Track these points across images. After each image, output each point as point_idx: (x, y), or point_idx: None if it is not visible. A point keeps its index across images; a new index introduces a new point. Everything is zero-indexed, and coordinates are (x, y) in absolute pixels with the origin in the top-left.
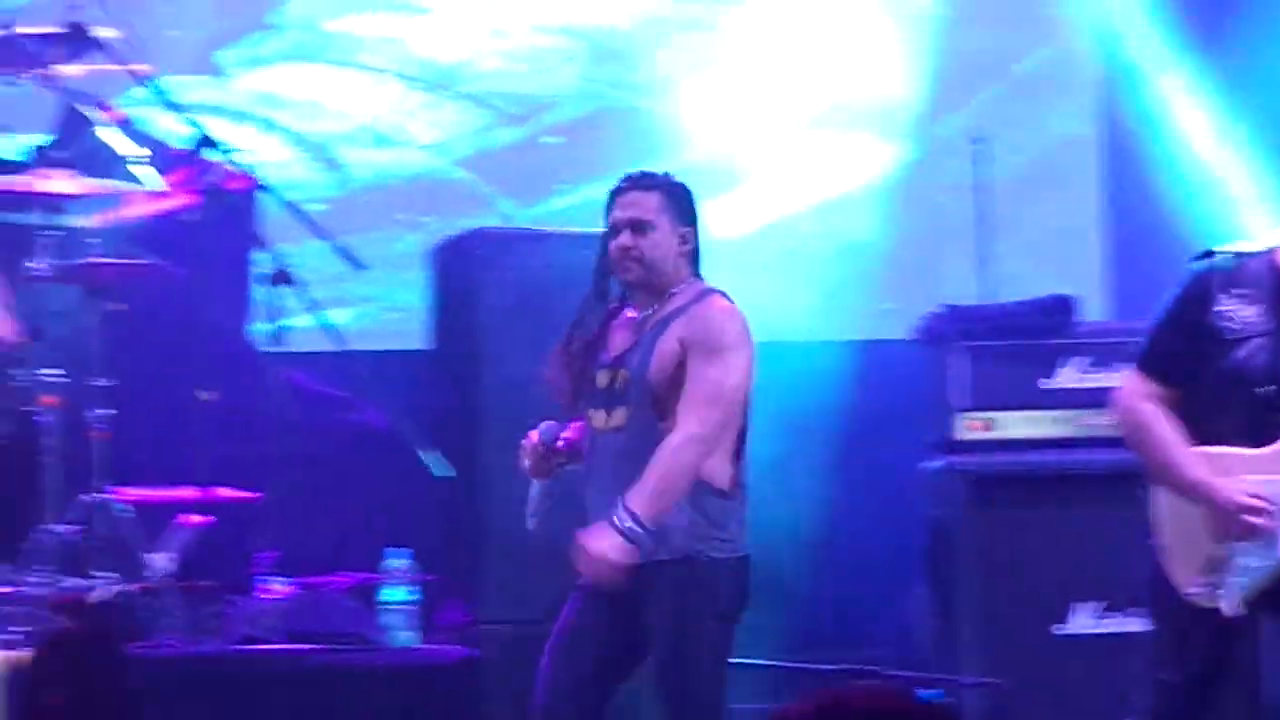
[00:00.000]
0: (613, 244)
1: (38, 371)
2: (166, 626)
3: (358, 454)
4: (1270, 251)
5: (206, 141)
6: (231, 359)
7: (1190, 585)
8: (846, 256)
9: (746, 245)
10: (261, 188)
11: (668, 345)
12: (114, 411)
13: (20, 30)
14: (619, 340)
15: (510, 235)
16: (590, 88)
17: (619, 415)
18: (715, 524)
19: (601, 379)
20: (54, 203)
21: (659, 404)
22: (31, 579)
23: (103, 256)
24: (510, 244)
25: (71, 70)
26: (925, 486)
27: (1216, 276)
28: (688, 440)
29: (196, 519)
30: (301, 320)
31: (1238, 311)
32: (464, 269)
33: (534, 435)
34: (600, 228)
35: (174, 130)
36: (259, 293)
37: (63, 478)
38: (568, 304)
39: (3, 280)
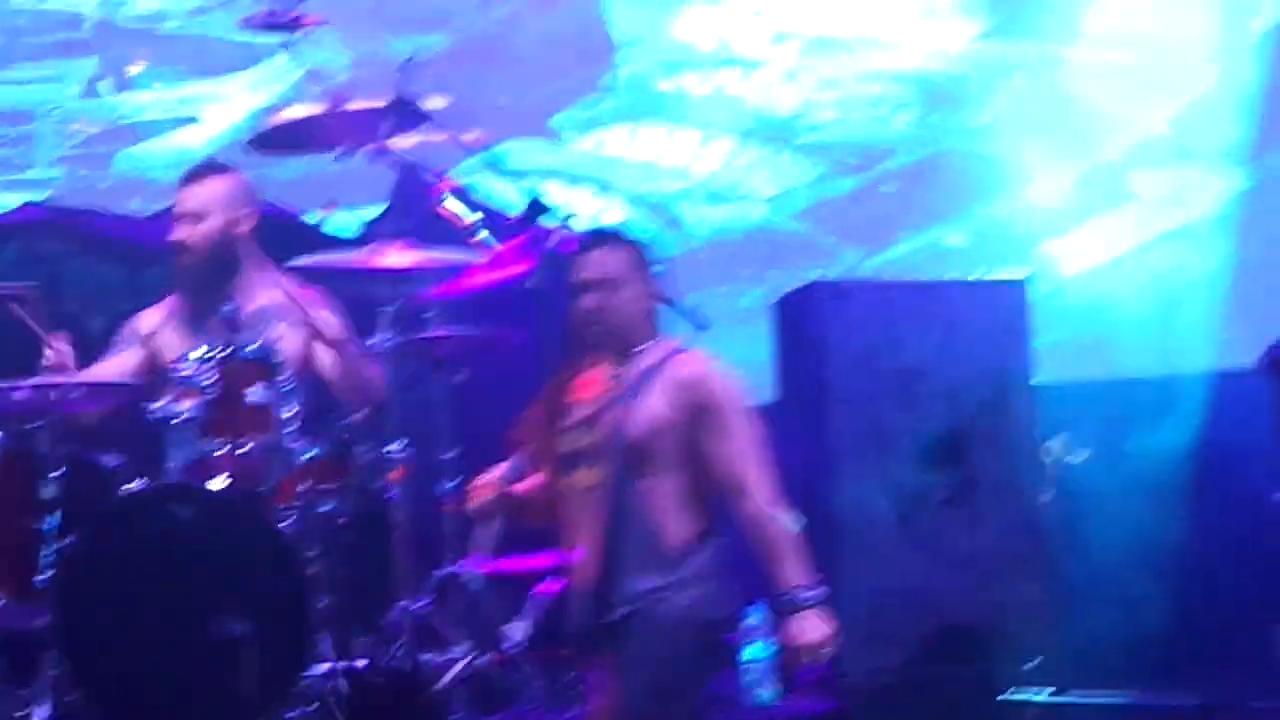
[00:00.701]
0: (578, 305)
1: (385, 446)
2: (526, 697)
3: None
4: None
5: (542, 207)
6: None
7: None
8: (1189, 289)
9: (1088, 282)
10: None
11: (655, 410)
12: (461, 483)
13: (351, 106)
14: (589, 399)
15: (852, 285)
16: (924, 133)
17: (596, 473)
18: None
19: (576, 439)
20: (393, 276)
21: (641, 463)
22: (392, 655)
23: (444, 328)
24: (853, 294)
25: (404, 142)
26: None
27: None
28: (762, 498)
29: (553, 586)
30: None
31: None
32: (808, 321)
33: (495, 473)
34: (947, 272)
35: (510, 197)
36: None
37: (415, 552)
38: (912, 351)
39: (353, 353)
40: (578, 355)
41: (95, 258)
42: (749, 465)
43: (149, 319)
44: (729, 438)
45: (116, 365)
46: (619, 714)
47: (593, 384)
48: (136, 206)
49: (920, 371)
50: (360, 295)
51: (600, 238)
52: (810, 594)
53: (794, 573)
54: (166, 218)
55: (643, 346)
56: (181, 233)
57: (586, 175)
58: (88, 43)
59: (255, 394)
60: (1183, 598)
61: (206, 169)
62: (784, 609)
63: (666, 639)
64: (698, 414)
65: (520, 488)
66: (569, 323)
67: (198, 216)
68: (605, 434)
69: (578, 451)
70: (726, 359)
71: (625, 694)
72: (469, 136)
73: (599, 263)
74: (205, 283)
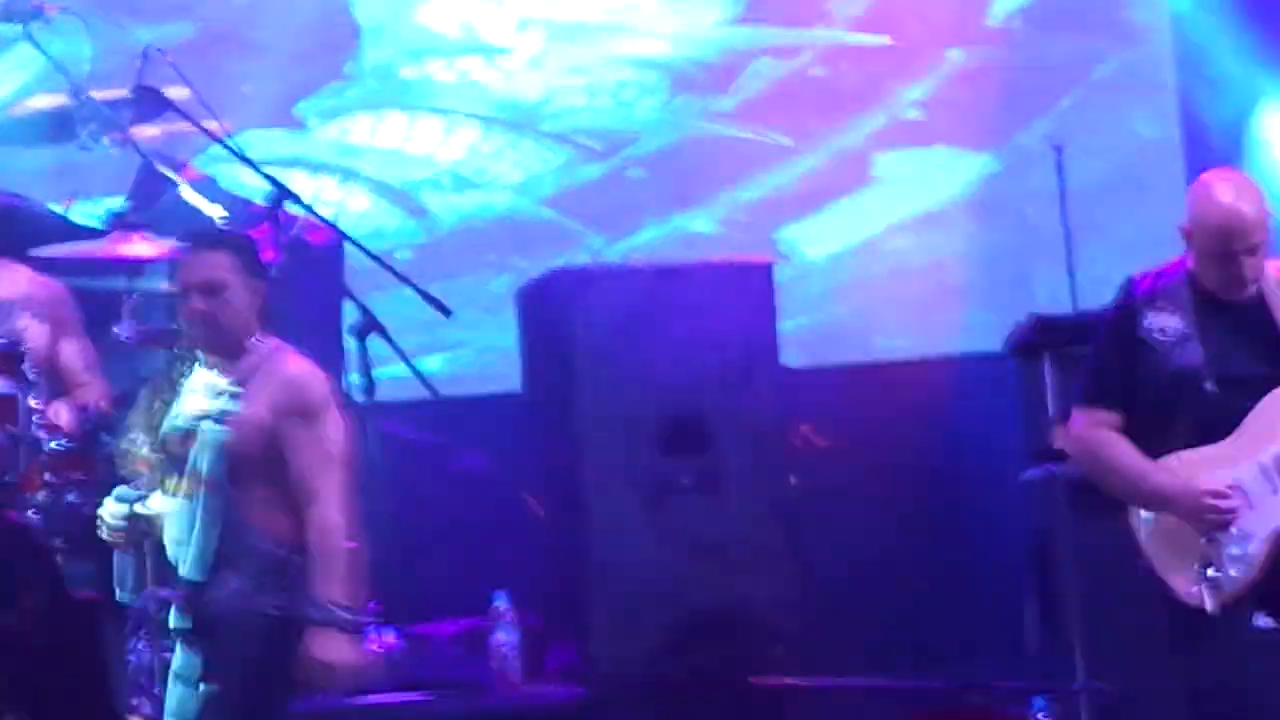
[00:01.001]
0: (185, 307)
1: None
2: None
3: (458, 500)
4: (1180, 263)
5: (286, 195)
6: None
7: (1189, 589)
8: (936, 271)
9: (836, 265)
10: (345, 238)
11: (254, 413)
12: None
13: (94, 94)
14: (191, 403)
15: (598, 272)
16: (670, 118)
17: (190, 482)
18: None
19: (174, 444)
20: (135, 267)
21: (236, 471)
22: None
23: None
24: (599, 280)
25: (148, 132)
26: (1026, 496)
27: (1139, 298)
28: (335, 509)
29: None
30: (393, 369)
31: (1164, 322)
32: (553, 308)
33: (112, 505)
34: (694, 257)
35: (254, 186)
36: (349, 344)
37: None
38: (660, 337)
39: (89, 345)
40: (186, 359)
41: None
42: (327, 473)
43: None
44: (312, 442)
45: None
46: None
47: (195, 386)
48: None
49: (666, 357)
50: (105, 286)
51: (206, 240)
52: (347, 615)
53: (339, 590)
54: None
55: (248, 347)
56: None
57: (331, 163)
58: None
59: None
60: (934, 582)
61: None
62: (318, 622)
63: (251, 641)
64: (288, 414)
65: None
66: (180, 326)
67: None
68: (204, 441)
69: (178, 456)
70: (474, 347)
71: (216, 695)
72: (212, 125)
73: (202, 263)
74: None
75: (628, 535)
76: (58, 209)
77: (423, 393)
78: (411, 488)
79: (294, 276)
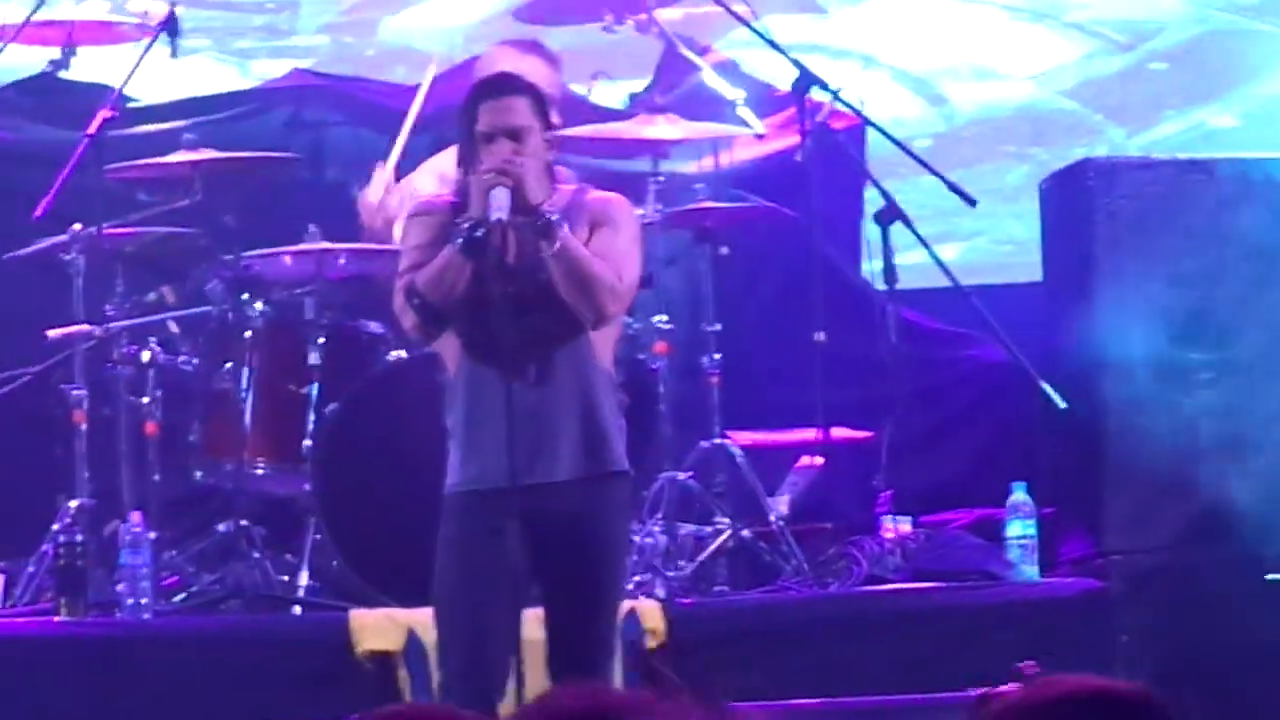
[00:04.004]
0: (489, 153)
1: (650, 319)
2: (789, 570)
3: (975, 389)
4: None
5: (812, 81)
6: (844, 299)
7: None
8: None
9: None
10: (870, 125)
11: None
12: (724, 356)
13: None
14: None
15: (1119, 164)
16: (1196, 11)
17: None
18: None
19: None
20: (659, 149)
21: None
22: (653, 526)
23: (710, 201)
24: (1120, 173)
25: (670, 14)
26: None
27: None
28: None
29: (814, 461)
30: (911, 257)
31: None
32: (1076, 200)
33: None
34: (1214, 153)
35: (776, 71)
36: (869, 231)
37: (678, 424)
38: (1177, 231)
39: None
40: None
41: (360, 126)
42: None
43: (424, 182)
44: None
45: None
46: None
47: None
48: (401, 76)
49: (1187, 250)
50: (628, 168)
51: (509, 86)
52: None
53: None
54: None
55: (552, 190)
56: None
57: (851, 50)
58: None
59: None
60: None
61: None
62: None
63: None
64: (603, 224)
65: None
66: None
67: None
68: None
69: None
70: (990, 236)
71: None
72: (739, 8)
73: (509, 108)
74: None
75: (1145, 427)
76: (581, 90)
77: (941, 281)
78: (930, 376)
79: (816, 163)
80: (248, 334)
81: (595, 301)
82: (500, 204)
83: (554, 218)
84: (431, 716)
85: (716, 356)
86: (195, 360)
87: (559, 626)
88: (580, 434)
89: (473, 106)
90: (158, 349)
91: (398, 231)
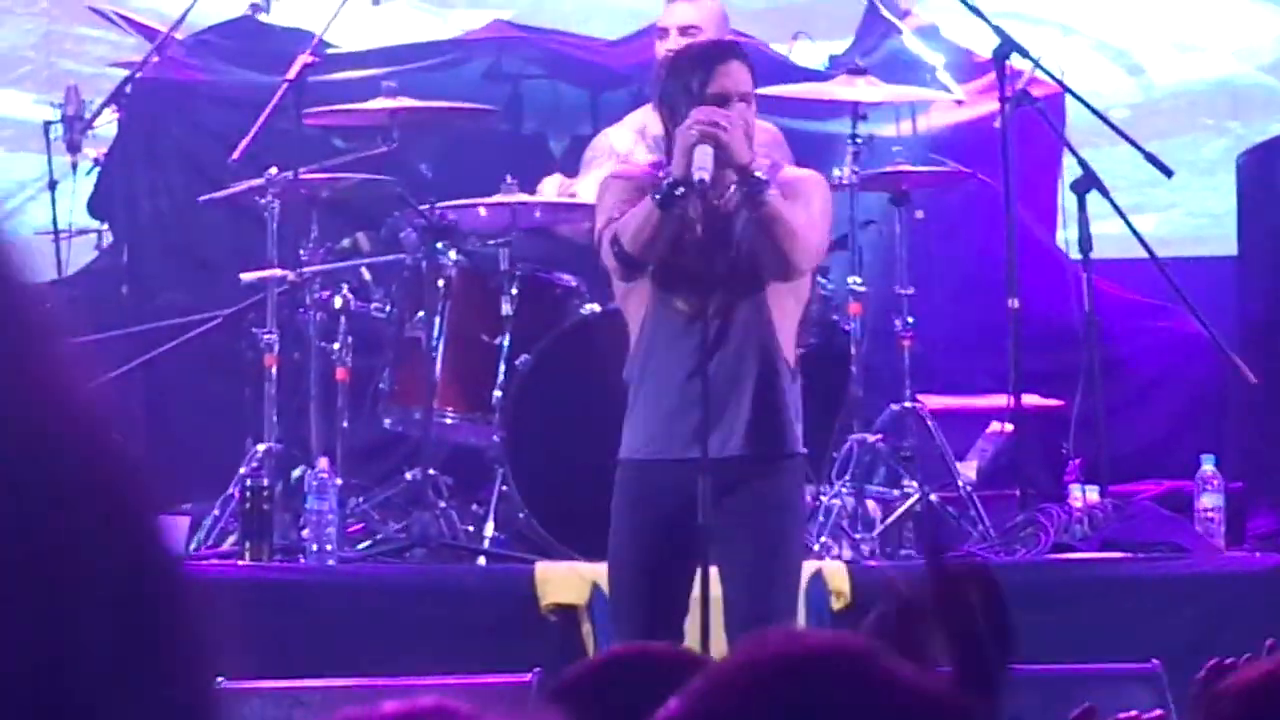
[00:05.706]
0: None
1: (845, 280)
2: (976, 536)
3: (1167, 361)
4: None
5: (1011, 47)
6: (1038, 266)
7: None
8: None
9: None
10: (1069, 93)
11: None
12: (917, 320)
13: None
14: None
15: None
16: None
17: None
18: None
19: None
20: (857, 111)
21: None
22: (841, 489)
23: (907, 165)
24: None
25: None
26: None
27: None
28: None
29: (1004, 428)
30: (1106, 227)
31: None
32: (1272, 175)
33: None
34: None
35: (975, 37)
36: (1065, 200)
37: (869, 387)
38: None
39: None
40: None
41: (558, 79)
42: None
43: (622, 137)
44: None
45: (591, 184)
46: None
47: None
48: (600, 29)
49: None
50: (826, 129)
51: (734, 51)
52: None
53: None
54: (628, 43)
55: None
56: (677, 45)
57: (1050, 18)
58: None
59: None
60: None
61: None
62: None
63: None
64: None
65: None
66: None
67: (695, 30)
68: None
69: None
70: (1185, 209)
71: None
72: None
73: (736, 73)
74: None
75: None
76: (782, 50)
77: (1136, 252)
78: (1122, 346)
79: (1016, 129)
80: (440, 283)
81: (791, 256)
82: (703, 162)
83: (762, 176)
84: (661, 655)
85: (909, 320)
86: (387, 307)
87: (733, 602)
88: (755, 413)
89: (703, 67)
90: (350, 295)
91: (589, 185)
